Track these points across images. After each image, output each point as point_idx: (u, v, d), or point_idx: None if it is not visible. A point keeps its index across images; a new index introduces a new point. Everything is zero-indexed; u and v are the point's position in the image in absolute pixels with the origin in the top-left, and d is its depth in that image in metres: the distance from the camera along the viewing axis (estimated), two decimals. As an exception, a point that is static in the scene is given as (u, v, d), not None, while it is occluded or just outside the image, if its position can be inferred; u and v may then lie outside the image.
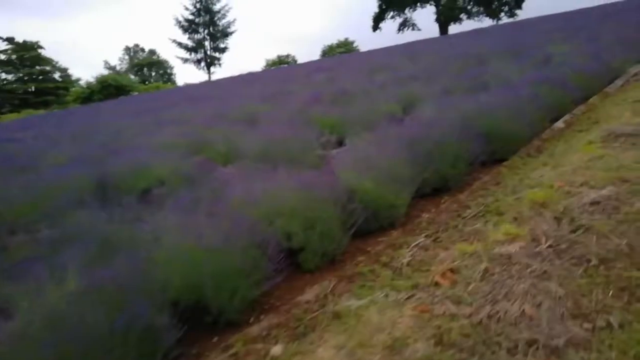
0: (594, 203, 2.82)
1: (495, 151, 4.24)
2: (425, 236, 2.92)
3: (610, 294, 1.99)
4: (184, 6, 48.80)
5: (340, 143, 5.37)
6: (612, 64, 6.82)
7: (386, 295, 2.31)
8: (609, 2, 25.64)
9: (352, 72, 11.51)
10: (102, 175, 4.21)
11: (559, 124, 4.91)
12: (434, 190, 3.75)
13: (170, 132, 6.36)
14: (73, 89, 34.81)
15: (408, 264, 2.59)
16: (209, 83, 24.12)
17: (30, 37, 61.13)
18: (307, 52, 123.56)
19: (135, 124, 7.83)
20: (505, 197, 3.25)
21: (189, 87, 22.80)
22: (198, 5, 47.85)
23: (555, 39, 10.67)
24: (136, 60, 60.12)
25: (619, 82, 6.42)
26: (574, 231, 2.54)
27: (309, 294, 2.44)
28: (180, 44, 48.05)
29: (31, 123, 15.29)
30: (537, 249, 2.42)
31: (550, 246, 2.43)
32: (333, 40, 65.76)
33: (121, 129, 7.33)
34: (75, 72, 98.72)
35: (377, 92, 7.24)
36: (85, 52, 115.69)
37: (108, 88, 33.28)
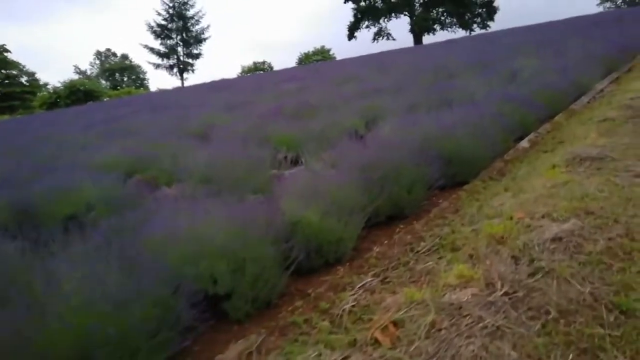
0: (555, 239, 2.56)
1: (456, 174, 3.99)
2: (373, 275, 2.62)
3: (571, 357, 1.72)
4: (156, 11, 48.09)
5: (296, 162, 5.05)
6: (578, 80, 6.71)
7: (319, 355, 1.98)
8: (578, 16, 26.21)
9: (321, 82, 11.26)
10: (25, 200, 3.77)
11: (524, 143, 4.71)
12: (389, 217, 3.46)
13: (119, 146, 5.94)
14: (39, 94, 33.57)
15: (350, 312, 2.27)
16: (178, 90, 23.56)
17: (-3, 40, 59.13)
18: (283, 59, 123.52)
19: (86, 135, 7.36)
20: (462, 229, 2.98)
21: (156, 94, 22.19)
22: (171, 11, 47.10)
23: (524, 52, 10.64)
24: (107, 65, 58.74)
25: (585, 98, 6.30)
26: (532, 274, 2.27)
27: (232, 352, 2.10)
28: (152, 50, 47.15)
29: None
30: (492, 297, 2.13)
31: (506, 293, 2.15)
32: (310, 47, 65.71)
33: (68, 141, 6.86)
34: (44, 77, 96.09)
35: (342, 106, 6.97)
36: (55, 57, 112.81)
37: (76, 93, 32.22)
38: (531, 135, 4.90)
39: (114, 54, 60.11)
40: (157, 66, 47.71)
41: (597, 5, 59.08)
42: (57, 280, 2.16)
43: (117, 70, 58.18)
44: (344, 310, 2.28)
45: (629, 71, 8.16)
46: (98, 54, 59.62)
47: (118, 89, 52.54)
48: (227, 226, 2.53)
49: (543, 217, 2.83)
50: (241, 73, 66.13)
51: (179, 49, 47.62)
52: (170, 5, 46.80)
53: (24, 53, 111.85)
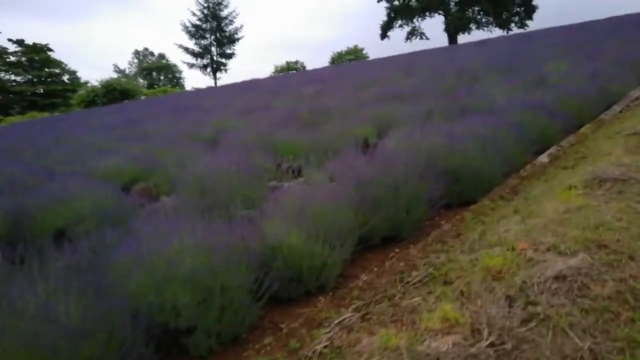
0: (558, 278, 2.28)
1: (463, 191, 3.72)
2: (354, 309, 2.41)
3: None
4: (191, 11, 48.76)
5: (300, 172, 4.87)
6: (610, 86, 6.25)
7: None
8: (619, 15, 24.93)
9: (342, 85, 11.03)
10: (21, 210, 3.75)
11: (543, 157, 4.38)
12: (384, 239, 3.24)
13: (131, 151, 5.92)
14: (77, 93, 34.65)
15: (320, 354, 2.08)
16: (207, 90, 23.75)
17: (41, 39, 61.62)
18: (317, 58, 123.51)
19: (103, 138, 7.41)
20: (459, 257, 2.72)
21: (184, 95, 22.43)
22: (205, 11, 47.69)
23: (555, 54, 10.11)
24: (145, 64, 60.18)
25: (617, 107, 5.85)
26: (526, 321, 2.01)
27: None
28: (186, 49, 47.90)
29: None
30: (475, 349, 1.89)
31: (492, 344, 1.90)
32: (344, 46, 65.37)
33: (83, 144, 6.91)
34: (85, 75, 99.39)
35: (358, 112, 6.75)
36: (96, 55, 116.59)
37: (112, 92, 33.06)
38: (552, 149, 4.55)
39: (152, 53, 61.62)
40: (191, 66, 48.48)
41: (643, 2, 56.01)
42: (12, 305, 2.06)
43: (154, 69, 59.49)
44: (314, 352, 2.09)
45: (670, 77, 7.56)
46: (136, 53, 61.27)
47: (155, 88, 53.72)
48: (197, 251, 2.37)
49: (549, 249, 2.55)
50: (274, 72, 66.50)
51: (213, 48, 48.22)
52: (205, 5, 47.42)
53: (66, 51, 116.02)
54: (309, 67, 61.37)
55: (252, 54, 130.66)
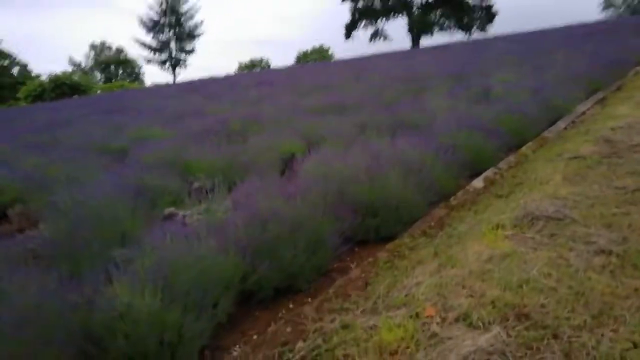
0: (463, 365, 1.80)
1: (382, 225, 3.21)
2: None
3: None
4: (149, 5, 46.85)
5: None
6: (557, 101, 5.93)
7: None
8: (575, 24, 25.43)
9: (289, 89, 10.48)
10: None
11: (478, 182, 3.94)
12: (278, 290, 2.68)
13: (20, 164, 5.18)
14: (24, 86, 32.60)
15: None
16: (153, 89, 22.61)
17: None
18: (284, 56, 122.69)
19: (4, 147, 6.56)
20: (357, 322, 2.20)
21: (126, 93, 21.25)
22: (163, 6, 46.01)
23: (506, 63, 9.89)
24: (102, 58, 57.70)
25: (562, 124, 5.52)
26: None
27: None
28: (144, 44, 46.11)
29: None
30: None
31: None
32: (310, 45, 64.90)
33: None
34: (40, 68, 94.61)
35: (294, 122, 6.19)
36: (51, 48, 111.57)
37: (61, 87, 31.25)
38: (489, 172, 4.13)
39: (109, 47, 59.02)
40: (149, 61, 46.73)
41: (601, 12, 57.96)
42: None
43: (112, 63, 57.09)
44: None
45: (618, 90, 7.37)
46: (93, 46, 58.56)
47: (112, 82, 51.74)
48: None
49: (458, 319, 2.05)
50: (238, 69, 65.32)
51: (172, 44, 46.59)
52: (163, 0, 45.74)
53: (18, 43, 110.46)
54: (273, 65, 60.73)
55: (220, 48, 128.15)
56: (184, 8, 46.98)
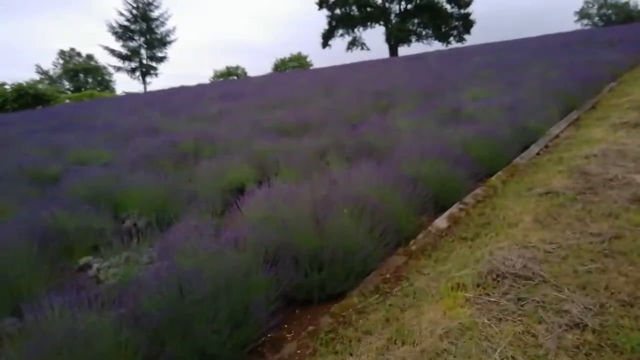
0: None
1: (328, 280, 2.77)
2: None
3: None
4: (119, 11, 45.53)
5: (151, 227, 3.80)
6: (530, 122, 5.62)
7: None
8: (550, 34, 25.68)
9: (253, 103, 10.03)
10: None
11: (441, 221, 3.54)
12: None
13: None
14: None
15: None
16: (115, 100, 21.78)
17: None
18: (261, 64, 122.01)
19: None
20: None
21: (84, 105, 20.37)
22: (134, 12, 44.87)
23: (479, 78, 9.63)
24: (71, 65, 56.05)
25: (535, 148, 5.19)
26: None
27: None
28: (112, 51, 44.82)
29: None
30: None
31: None
32: (287, 53, 64.48)
33: None
34: (5, 76, 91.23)
35: (249, 144, 5.73)
36: (20, 55, 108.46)
37: (24, 97, 30.05)
38: (454, 208, 3.74)
39: (79, 54, 57.32)
40: (118, 69, 45.47)
41: (575, 21, 59.18)
42: None
43: (81, 71, 55.49)
44: None
45: (593, 109, 7.13)
46: (62, 53, 56.81)
47: (81, 91, 50.38)
48: None
49: None
50: (213, 77, 64.44)
51: (142, 51, 45.43)
52: (134, 5, 44.52)
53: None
54: (251, 73, 60.17)
55: (195, 56, 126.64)
56: (156, 14, 46.05)
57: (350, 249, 2.81)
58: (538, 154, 5.07)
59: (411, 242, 3.25)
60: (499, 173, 4.46)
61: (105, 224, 3.76)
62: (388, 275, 2.89)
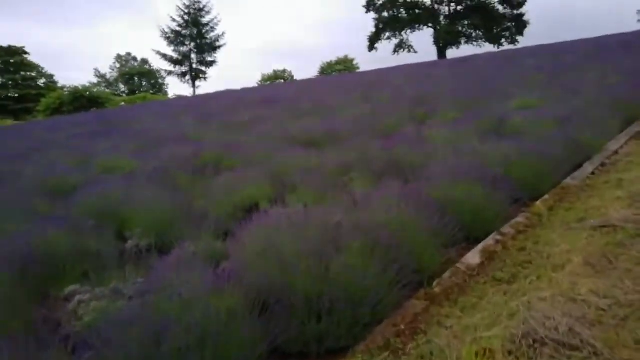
0: None
1: (328, 332, 2.36)
2: None
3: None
4: (171, 17, 46.95)
5: (159, 249, 3.58)
6: (584, 135, 4.97)
7: None
8: (609, 35, 23.99)
9: (287, 110, 9.73)
10: None
11: (474, 256, 3.05)
12: None
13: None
14: (43, 99, 32.80)
15: None
16: (159, 105, 22.17)
17: (22, 42, 60.15)
18: (309, 66, 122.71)
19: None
20: None
21: (132, 109, 20.84)
22: (186, 17, 46.09)
23: (530, 82, 8.89)
24: (126, 69, 58.44)
25: (589, 166, 4.55)
26: None
27: None
28: (164, 56, 46.22)
29: None
30: None
31: None
32: (334, 56, 64.29)
33: None
34: (66, 79, 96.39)
35: (271, 158, 5.41)
36: (78, 60, 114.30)
37: (80, 100, 31.39)
38: (490, 240, 3.23)
39: (134, 59, 59.66)
40: (169, 73, 46.85)
41: (638, 21, 55.25)
42: None
43: (136, 75, 57.67)
44: None
45: (656, 121, 6.31)
46: (118, 57, 59.31)
47: (135, 94, 52.31)
48: None
49: None
50: (261, 81, 65.29)
51: (193, 55, 46.57)
52: (186, 11, 45.74)
53: (45, 54, 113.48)
54: (297, 76, 60.50)
55: (245, 59, 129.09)
56: (206, 19, 47.08)
57: (358, 294, 2.40)
58: (593, 173, 4.44)
59: (435, 283, 2.79)
60: (546, 197, 3.89)
61: (106, 245, 3.53)
62: (402, 327, 2.45)
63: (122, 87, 57.85)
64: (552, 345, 1.98)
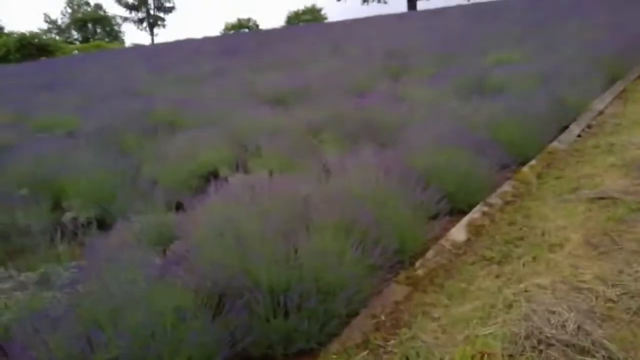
0: None
1: (297, 332, 2.00)
2: None
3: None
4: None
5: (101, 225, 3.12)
6: (569, 94, 4.68)
7: None
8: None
9: (252, 62, 9.06)
10: None
11: (459, 232, 2.74)
12: None
13: None
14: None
15: None
16: (122, 51, 20.71)
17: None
18: (274, 17, 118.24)
19: None
20: None
21: (59, 62, 19.31)
22: (140, -41, 42.84)
23: (505, 37, 8.52)
24: (79, 15, 54.34)
25: (575, 128, 4.28)
26: None
27: None
28: (119, 0, 43.05)
29: None
30: None
31: None
32: (302, 5, 61.90)
33: None
34: (13, 26, 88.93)
35: (236, 115, 4.88)
36: (27, 3, 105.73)
37: (27, 47, 29.03)
38: (476, 212, 2.93)
39: (87, 3, 55.42)
40: (125, 19, 43.84)
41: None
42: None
43: (89, 21, 53.78)
44: None
45: (639, 79, 6.10)
46: (70, 1, 54.99)
47: (89, 42, 49.28)
48: None
49: None
50: (225, 30, 62.43)
51: (149, 0, 43.54)
52: (141, -48, 42.48)
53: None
54: (263, 26, 58.25)
55: (207, 6, 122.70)
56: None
57: (332, 285, 2.04)
58: (579, 135, 4.17)
59: (417, 264, 2.47)
60: (533, 162, 3.60)
61: (38, 218, 3.03)
62: (383, 318, 2.12)
63: (74, 34, 54.04)
64: (559, 347, 1.69)
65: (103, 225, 3.12)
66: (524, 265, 2.29)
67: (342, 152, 3.64)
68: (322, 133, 4.11)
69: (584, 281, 2.03)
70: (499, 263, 2.39)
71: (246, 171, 3.56)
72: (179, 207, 3.11)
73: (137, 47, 27.17)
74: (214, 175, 3.65)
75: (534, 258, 2.32)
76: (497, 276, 2.27)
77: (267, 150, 3.72)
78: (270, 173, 3.42)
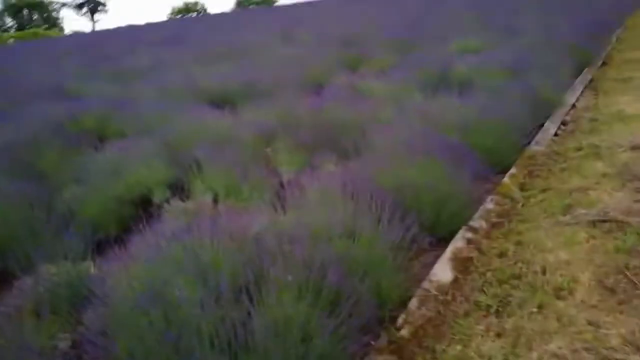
0: None
1: None
2: None
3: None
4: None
5: None
6: (541, 87, 4.34)
7: None
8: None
9: (197, 53, 8.33)
10: None
11: (443, 269, 2.30)
12: None
13: None
14: None
15: None
16: (58, 40, 19.19)
17: None
18: (224, 0, 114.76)
19: None
20: None
21: (7, 50, 17.85)
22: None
23: (465, 22, 8.18)
24: (13, 1, 50.39)
25: (551, 127, 3.95)
26: None
27: None
28: (56, -16, 40.12)
29: None
30: None
31: None
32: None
33: None
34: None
35: (175, 120, 4.24)
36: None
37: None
38: (459, 241, 2.50)
39: (23, -13, 51.39)
40: (63, 5, 40.97)
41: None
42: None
43: (25, 7, 49.98)
44: None
45: (604, 65, 5.89)
46: (3, -15, 50.72)
47: (25, 30, 46.08)
48: None
49: None
50: (171, 14, 59.93)
51: (89, -17, 40.80)
52: None
53: None
54: (211, 10, 56.36)
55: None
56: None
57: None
58: (556, 134, 3.83)
59: (400, 319, 2.00)
60: (513, 171, 3.20)
61: None
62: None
63: (9, 21, 50.15)
64: None
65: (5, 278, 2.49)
66: (528, 318, 1.87)
67: (300, 165, 3.14)
68: (276, 141, 3.57)
69: (613, 348, 1.62)
70: (497, 314, 1.96)
71: (186, 195, 2.99)
72: (100, 247, 2.52)
73: (74, 36, 25.32)
74: (147, 201, 3.05)
75: (540, 308, 1.91)
76: (498, 335, 1.84)
77: (212, 167, 3.14)
78: (215, 198, 2.87)
